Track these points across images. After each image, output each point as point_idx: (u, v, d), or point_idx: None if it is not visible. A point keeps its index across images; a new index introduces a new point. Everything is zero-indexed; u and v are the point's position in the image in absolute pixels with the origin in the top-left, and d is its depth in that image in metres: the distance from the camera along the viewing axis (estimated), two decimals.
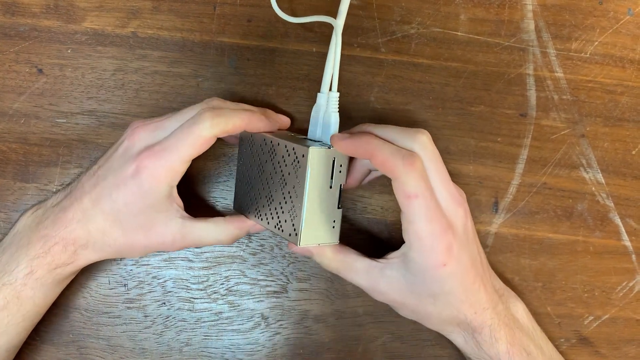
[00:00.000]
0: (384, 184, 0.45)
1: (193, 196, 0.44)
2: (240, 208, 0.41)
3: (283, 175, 0.36)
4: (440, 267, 0.35)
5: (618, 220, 0.45)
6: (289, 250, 0.44)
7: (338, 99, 0.39)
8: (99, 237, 0.37)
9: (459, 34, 0.45)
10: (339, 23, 0.40)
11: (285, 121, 0.41)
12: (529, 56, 0.45)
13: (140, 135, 0.37)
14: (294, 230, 0.35)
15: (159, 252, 0.43)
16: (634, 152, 0.46)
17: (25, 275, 0.36)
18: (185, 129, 0.35)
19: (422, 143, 0.35)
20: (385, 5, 0.45)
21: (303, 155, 0.34)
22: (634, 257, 0.45)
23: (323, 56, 0.45)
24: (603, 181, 0.45)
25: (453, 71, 0.45)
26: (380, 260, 0.38)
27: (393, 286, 0.37)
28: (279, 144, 0.36)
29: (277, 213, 0.36)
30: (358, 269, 0.38)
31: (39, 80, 0.44)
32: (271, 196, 0.37)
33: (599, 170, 0.45)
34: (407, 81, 0.45)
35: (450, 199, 0.36)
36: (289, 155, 0.35)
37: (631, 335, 0.45)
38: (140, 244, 0.38)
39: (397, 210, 0.45)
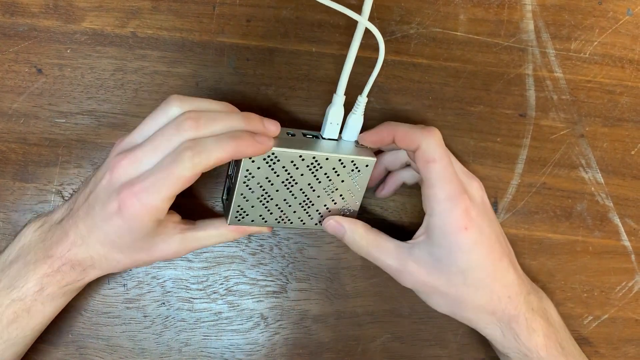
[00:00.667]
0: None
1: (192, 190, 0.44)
2: (245, 220, 0.39)
3: (333, 184, 0.39)
4: (462, 230, 0.36)
5: (617, 220, 0.45)
6: (287, 251, 0.44)
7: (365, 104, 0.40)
8: (103, 261, 0.37)
9: (459, 34, 0.45)
10: (362, 22, 0.38)
11: (273, 130, 0.37)
12: (529, 56, 0.45)
13: (119, 170, 0.35)
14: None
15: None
16: (633, 152, 0.46)
17: (36, 292, 0.36)
18: (165, 170, 0.34)
19: (433, 129, 0.38)
20: (384, 5, 0.45)
21: (367, 165, 0.39)
22: (633, 257, 0.45)
23: (322, 56, 0.45)
24: (602, 181, 0.45)
25: (452, 71, 0.45)
26: (409, 241, 0.39)
27: (421, 266, 0.38)
28: (328, 159, 0.38)
29: (319, 213, 0.40)
30: (388, 249, 0.39)
31: (38, 80, 0.44)
32: (310, 202, 0.39)
33: (598, 170, 0.45)
34: (406, 81, 0.45)
35: (461, 170, 0.38)
36: (343, 167, 0.38)
37: (630, 335, 0.45)
38: (144, 261, 0.38)
39: (397, 211, 0.45)
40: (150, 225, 0.35)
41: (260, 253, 0.44)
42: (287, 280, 0.44)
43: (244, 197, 0.38)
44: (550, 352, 0.37)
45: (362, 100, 0.39)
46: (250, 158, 0.36)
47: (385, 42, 0.45)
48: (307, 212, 0.40)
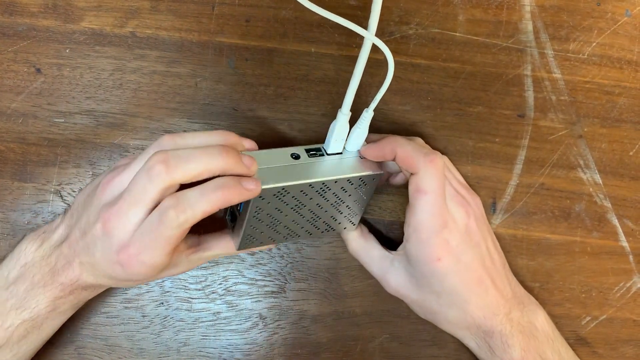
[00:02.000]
0: (382, 184, 0.45)
1: None
2: (254, 243, 0.39)
3: (341, 199, 0.39)
4: (435, 261, 0.36)
5: (615, 221, 0.45)
6: (286, 251, 0.44)
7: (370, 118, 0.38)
8: (106, 281, 0.37)
9: (457, 34, 0.45)
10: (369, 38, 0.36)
11: (257, 189, 0.34)
12: (527, 57, 0.45)
13: (110, 226, 0.34)
14: (352, 224, 0.42)
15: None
16: (631, 153, 0.46)
17: (49, 312, 0.37)
18: (154, 232, 0.32)
19: (437, 153, 0.37)
20: (383, 5, 0.45)
21: (373, 179, 0.38)
22: (631, 257, 0.45)
23: (322, 56, 0.45)
24: (600, 182, 0.45)
25: (451, 72, 0.45)
26: (393, 252, 0.40)
27: (399, 279, 0.39)
28: (336, 182, 0.37)
29: (326, 223, 0.40)
30: (373, 256, 0.40)
31: (37, 79, 0.44)
32: (318, 217, 0.39)
33: (596, 171, 0.45)
34: (405, 82, 0.45)
35: (451, 197, 0.38)
36: (351, 184, 0.38)
37: (628, 336, 0.45)
38: (150, 279, 0.38)
39: (395, 210, 0.45)
40: (158, 272, 0.35)
41: (259, 253, 0.44)
42: (286, 280, 0.44)
43: (254, 228, 0.37)
44: None
45: (367, 116, 0.37)
46: (260, 196, 0.34)
47: (384, 42, 0.45)
48: (314, 225, 0.40)
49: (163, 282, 0.44)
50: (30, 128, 0.44)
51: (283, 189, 0.35)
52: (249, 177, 0.34)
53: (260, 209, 0.36)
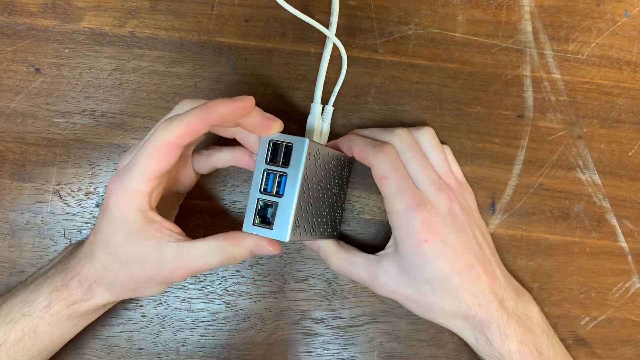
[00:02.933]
0: None
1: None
2: (300, 233, 0.35)
3: (334, 176, 0.40)
4: (422, 242, 0.36)
5: (614, 222, 0.45)
6: (285, 251, 0.44)
7: (332, 112, 0.43)
8: (104, 273, 0.36)
9: (457, 35, 0.45)
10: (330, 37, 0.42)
11: (247, 102, 0.34)
12: (526, 57, 0.45)
13: (120, 162, 0.36)
14: (336, 230, 0.42)
15: (170, 283, 0.38)
16: (630, 154, 0.46)
17: (43, 308, 0.36)
18: (141, 145, 0.34)
19: (398, 135, 0.39)
20: (383, 6, 0.45)
21: (345, 159, 0.40)
22: (630, 258, 0.45)
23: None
24: (599, 182, 0.45)
25: (450, 72, 0.45)
26: (378, 253, 0.40)
27: (390, 277, 0.38)
28: (329, 153, 0.38)
29: (331, 220, 0.41)
30: (358, 263, 0.40)
31: (36, 79, 0.44)
32: (332, 203, 0.40)
33: (595, 172, 0.45)
34: (404, 82, 0.45)
35: (430, 183, 0.38)
36: (343, 160, 0.40)
37: (627, 336, 0.45)
38: (141, 277, 0.35)
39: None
40: (133, 215, 0.34)
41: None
42: (285, 280, 0.44)
43: (301, 206, 0.34)
44: (524, 357, 0.37)
45: (328, 109, 0.43)
46: (308, 153, 0.33)
47: (384, 42, 0.45)
48: (331, 219, 0.41)
49: None
50: (29, 128, 0.44)
51: (317, 144, 0.35)
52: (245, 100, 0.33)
53: (307, 172, 0.33)
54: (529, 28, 0.46)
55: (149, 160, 0.33)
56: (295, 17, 0.44)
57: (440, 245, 0.37)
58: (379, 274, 0.39)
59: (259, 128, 0.35)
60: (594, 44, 0.46)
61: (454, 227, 0.38)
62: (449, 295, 0.37)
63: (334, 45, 0.43)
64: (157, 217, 0.35)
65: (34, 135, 0.44)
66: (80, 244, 0.39)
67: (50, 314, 0.36)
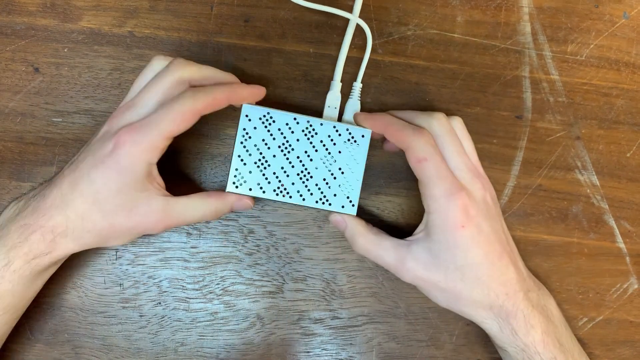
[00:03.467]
0: (380, 185, 0.45)
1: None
2: (243, 187, 0.39)
3: (330, 155, 0.39)
4: (459, 228, 0.36)
5: (612, 222, 0.45)
6: (284, 251, 0.44)
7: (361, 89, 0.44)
8: (78, 223, 0.36)
9: (456, 35, 0.45)
10: (353, 19, 0.44)
11: (262, 90, 0.39)
12: (525, 58, 0.45)
13: (117, 118, 0.37)
14: (350, 202, 0.40)
15: (143, 235, 0.40)
16: (628, 155, 0.46)
17: (2, 267, 0.35)
18: (166, 105, 0.35)
19: (437, 119, 0.38)
20: (382, 6, 0.45)
21: (363, 136, 0.39)
22: (628, 259, 0.45)
23: (320, 57, 0.45)
24: (598, 183, 0.45)
25: (449, 73, 0.45)
26: (407, 238, 0.40)
27: (419, 262, 0.38)
28: (322, 125, 0.39)
29: (319, 189, 0.39)
30: (387, 246, 0.39)
31: (35, 79, 0.44)
32: (309, 173, 0.39)
33: (593, 173, 0.46)
34: (403, 82, 0.45)
35: (466, 169, 0.38)
36: (339, 135, 0.39)
37: (625, 337, 0.45)
38: (123, 226, 0.36)
39: (394, 211, 0.45)
40: (143, 167, 0.35)
41: (256, 253, 0.44)
42: (284, 280, 0.44)
43: (242, 160, 0.39)
44: (547, 348, 0.37)
45: (357, 85, 0.44)
46: (247, 116, 0.39)
47: (383, 43, 0.45)
48: (306, 186, 0.39)
49: (160, 281, 0.44)
50: (28, 127, 0.44)
51: (268, 113, 0.39)
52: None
53: (247, 133, 0.39)
54: (528, 29, 0.46)
55: (171, 122, 0.35)
56: (294, 17, 0.44)
57: (475, 232, 0.37)
58: (407, 259, 0.38)
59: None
60: (592, 45, 0.46)
61: (488, 216, 0.38)
62: (479, 283, 0.37)
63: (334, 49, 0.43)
64: (155, 172, 0.37)
65: (33, 135, 0.44)
66: (32, 198, 0.37)
67: (11, 271, 0.35)
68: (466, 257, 0.37)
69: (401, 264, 0.38)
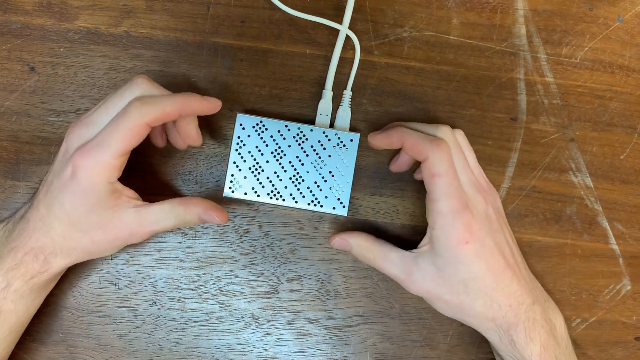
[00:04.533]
0: (375, 186, 0.45)
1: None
2: (238, 192, 0.41)
3: (321, 159, 0.41)
4: (463, 244, 0.37)
5: (606, 224, 0.46)
6: (279, 252, 0.44)
7: (351, 96, 0.45)
8: (63, 242, 0.37)
9: (451, 37, 0.46)
10: (342, 30, 0.44)
11: (217, 103, 0.39)
12: (520, 61, 0.46)
13: (73, 135, 0.37)
14: (341, 203, 0.41)
15: (127, 244, 0.39)
16: (622, 157, 0.46)
17: (3, 289, 0.36)
18: (113, 123, 0.35)
19: (444, 133, 0.39)
20: (378, 8, 0.45)
21: (352, 140, 0.41)
22: (621, 260, 0.46)
23: (316, 58, 0.45)
24: (592, 185, 0.46)
25: (445, 74, 0.45)
26: (413, 250, 0.40)
27: (425, 275, 0.38)
28: (312, 130, 0.41)
29: (311, 191, 0.41)
30: (393, 259, 0.40)
31: (31, 78, 0.44)
32: (301, 177, 0.41)
33: (587, 174, 0.46)
34: (399, 84, 0.45)
35: (470, 184, 0.38)
36: (329, 140, 0.41)
37: (618, 338, 0.45)
38: (104, 241, 0.37)
39: (389, 212, 0.45)
40: (103, 187, 0.35)
41: (252, 253, 0.44)
42: (279, 280, 0.44)
43: (237, 167, 0.41)
44: None
45: (347, 94, 0.44)
46: (241, 125, 0.41)
47: (379, 44, 0.45)
48: (298, 189, 0.41)
49: (156, 281, 0.44)
50: (23, 126, 0.44)
51: (261, 121, 0.41)
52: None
53: (241, 141, 0.41)
54: (523, 31, 0.46)
55: (122, 139, 0.35)
56: (290, 18, 0.45)
57: (479, 248, 0.37)
58: (413, 271, 0.39)
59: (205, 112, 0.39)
60: (587, 48, 0.46)
61: (490, 230, 0.38)
62: (482, 295, 0.38)
63: (328, 50, 0.43)
64: (120, 186, 0.37)
65: (28, 134, 0.44)
66: (18, 222, 0.38)
67: (12, 292, 0.36)
68: (470, 271, 0.37)
69: (407, 276, 0.39)
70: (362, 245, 0.41)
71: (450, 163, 0.37)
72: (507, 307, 0.38)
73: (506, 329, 0.38)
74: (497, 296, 0.38)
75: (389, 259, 0.40)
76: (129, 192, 0.38)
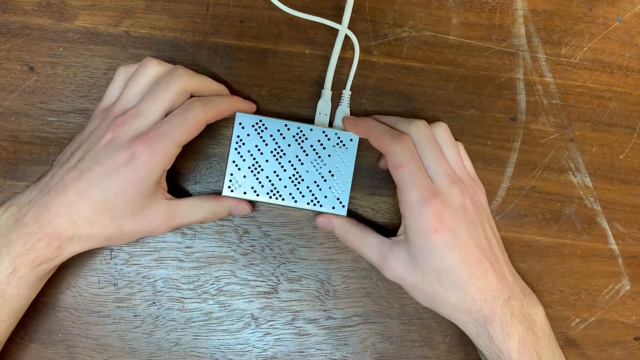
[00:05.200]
0: (375, 186, 0.45)
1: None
2: (238, 191, 0.41)
3: (320, 158, 0.41)
4: (432, 232, 0.37)
5: (605, 224, 0.46)
6: (279, 252, 0.44)
7: (350, 96, 0.45)
8: (86, 229, 0.37)
9: (451, 37, 0.46)
10: (342, 30, 0.44)
11: (254, 105, 0.43)
12: (519, 61, 0.46)
13: (125, 126, 0.37)
14: (340, 203, 0.42)
15: (147, 236, 0.42)
16: (621, 157, 0.46)
17: (9, 275, 0.36)
18: (179, 116, 0.38)
19: (416, 127, 0.39)
20: (378, 8, 0.45)
21: (351, 140, 0.42)
22: (620, 260, 0.46)
23: (316, 58, 0.45)
24: (591, 185, 0.46)
25: (444, 75, 0.45)
26: (392, 237, 0.41)
27: (400, 262, 0.39)
28: (312, 130, 0.41)
29: (311, 191, 0.41)
30: (371, 243, 0.41)
31: (30, 78, 0.44)
32: (300, 176, 0.41)
33: (587, 174, 0.46)
34: (398, 84, 0.45)
35: (444, 175, 0.38)
36: (328, 140, 0.41)
37: (617, 338, 0.45)
38: (130, 230, 0.38)
39: (388, 212, 0.45)
40: (158, 174, 0.37)
41: (251, 253, 0.44)
42: (279, 280, 0.44)
43: (236, 166, 0.41)
44: (523, 358, 0.37)
45: (346, 93, 0.44)
46: (240, 124, 0.41)
47: (378, 44, 0.45)
48: (298, 189, 0.41)
49: (155, 281, 0.44)
50: (22, 126, 0.44)
51: (261, 120, 0.41)
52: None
53: (241, 140, 0.41)
54: (522, 31, 0.46)
55: (184, 131, 0.37)
56: (290, 18, 0.45)
57: (450, 237, 0.37)
58: (389, 257, 0.39)
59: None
60: (586, 48, 0.46)
61: (465, 221, 0.38)
62: (455, 287, 0.38)
63: (327, 51, 0.43)
64: (164, 176, 0.40)
65: (28, 134, 0.44)
66: (27, 206, 0.37)
67: (17, 277, 0.36)
68: (442, 261, 0.37)
69: (383, 261, 0.40)
70: (344, 227, 0.42)
71: (411, 155, 0.38)
72: (481, 301, 0.38)
73: (483, 323, 0.38)
74: (470, 289, 0.37)
75: (367, 243, 0.41)
76: (165, 185, 0.40)
